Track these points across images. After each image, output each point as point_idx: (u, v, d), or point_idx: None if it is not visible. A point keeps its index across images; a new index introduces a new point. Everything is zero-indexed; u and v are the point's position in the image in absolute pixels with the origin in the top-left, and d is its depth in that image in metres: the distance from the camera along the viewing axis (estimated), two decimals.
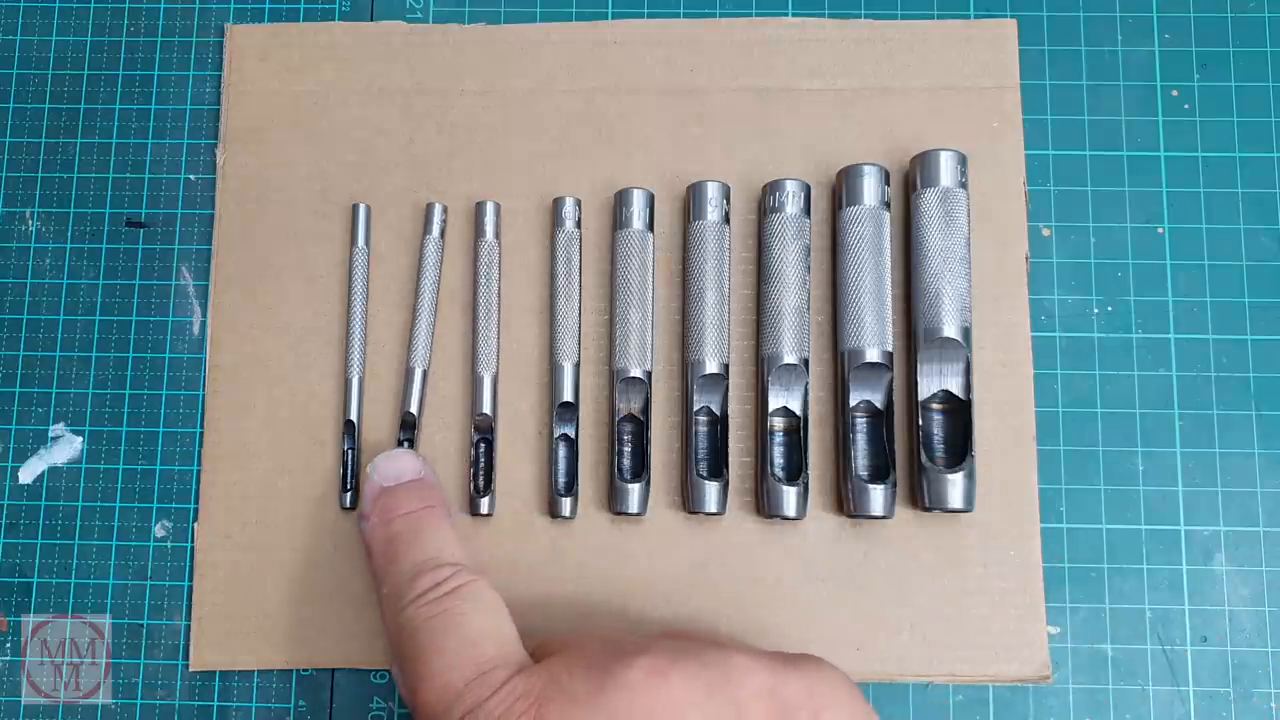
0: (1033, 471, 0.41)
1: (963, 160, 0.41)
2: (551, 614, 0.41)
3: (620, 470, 0.41)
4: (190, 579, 0.42)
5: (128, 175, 0.45)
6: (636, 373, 0.41)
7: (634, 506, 0.40)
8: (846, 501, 0.40)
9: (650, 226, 0.42)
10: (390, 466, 0.38)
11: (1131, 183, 0.44)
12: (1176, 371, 0.43)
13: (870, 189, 0.41)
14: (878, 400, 0.41)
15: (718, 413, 0.41)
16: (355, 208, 0.44)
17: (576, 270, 0.42)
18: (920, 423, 0.40)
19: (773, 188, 0.41)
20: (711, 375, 0.40)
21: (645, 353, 0.41)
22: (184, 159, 0.45)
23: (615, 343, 0.41)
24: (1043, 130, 0.45)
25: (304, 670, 0.41)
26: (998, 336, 0.42)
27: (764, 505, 0.40)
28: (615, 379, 0.41)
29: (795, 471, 0.41)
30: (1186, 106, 0.45)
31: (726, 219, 0.42)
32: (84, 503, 0.43)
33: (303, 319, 0.43)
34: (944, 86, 0.44)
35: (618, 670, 0.29)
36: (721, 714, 0.29)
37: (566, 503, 0.41)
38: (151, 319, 0.44)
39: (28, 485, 0.43)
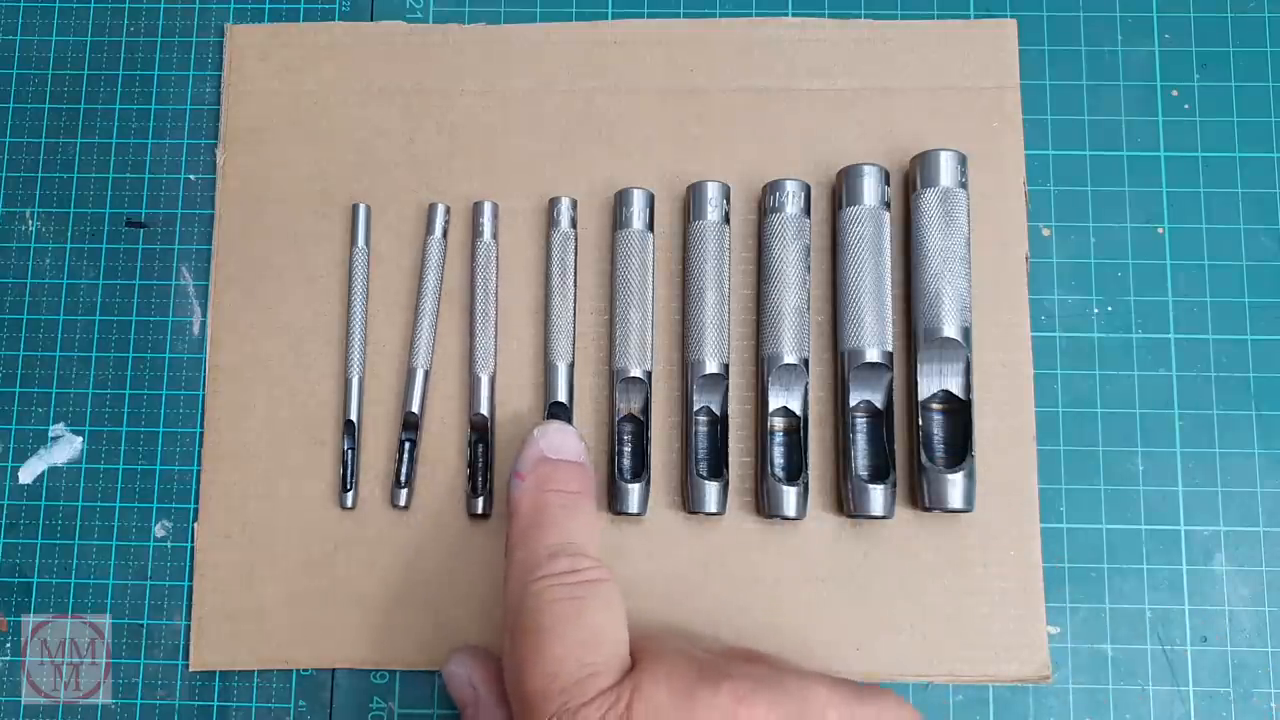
0: (1033, 471, 0.41)
1: (963, 160, 0.41)
2: None
3: (620, 470, 0.41)
4: (190, 579, 0.42)
5: (128, 175, 0.45)
6: (636, 373, 0.41)
7: (634, 506, 0.40)
8: (846, 501, 0.40)
9: (650, 226, 0.42)
10: (557, 439, 0.38)
11: (1131, 183, 0.44)
12: (1176, 371, 0.43)
13: (870, 189, 0.41)
14: (878, 400, 0.41)
15: (718, 413, 0.41)
16: (355, 208, 0.44)
17: (572, 270, 0.42)
18: (920, 423, 0.40)
19: (773, 188, 0.41)
20: (711, 375, 0.40)
21: (645, 352, 0.41)
22: (184, 159, 0.45)
23: (615, 342, 0.41)
24: (1043, 130, 0.45)
25: (304, 670, 0.41)
26: (998, 336, 0.42)
27: (764, 505, 0.40)
28: (615, 379, 0.41)
29: (795, 471, 0.41)
30: (1186, 106, 0.45)
31: (726, 219, 0.42)
32: (84, 503, 0.43)
33: (303, 319, 0.43)
34: (944, 86, 0.44)
35: (704, 694, 0.30)
36: None
37: None
38: (151, 319, 0.44)
39: (28, 485, 0.43)
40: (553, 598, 0.33)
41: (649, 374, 0.41)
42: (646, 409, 0.41)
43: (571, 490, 0.36)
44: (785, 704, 0.31)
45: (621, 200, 0.42)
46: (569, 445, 0.38)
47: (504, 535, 0.36)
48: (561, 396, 0.41)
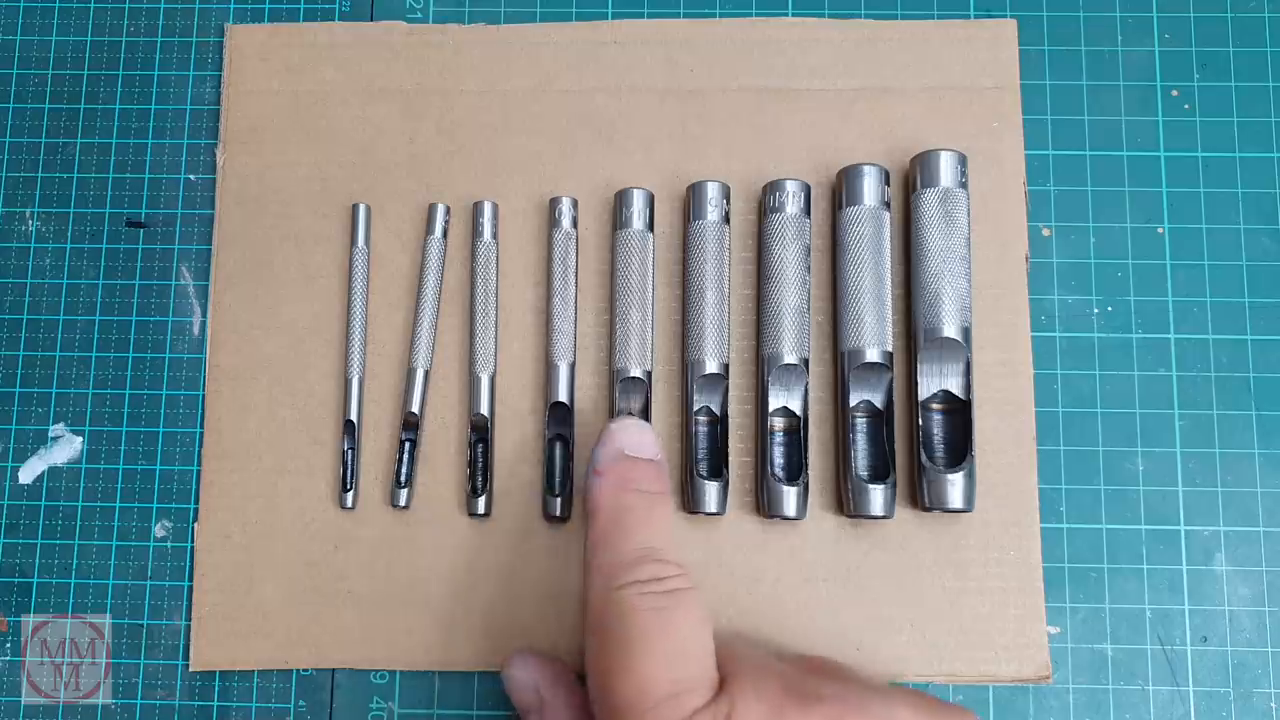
0: (1033, 471, 0.41)
1: (963, 160, 0.41)
2: (551, 614, 0.41)
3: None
4: (190, 579, 0.42)
5: (128, 175, 0.45)
6: (636, 373, 0.41)
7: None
8: (846, 501, 0.40)
9: (650, 226, 0.42)
10: (635, 436, 0.37)
11: (1131, 183, 0.44)
12: (1176, 371, 0.43)
13: (870, 189, 0.41)
14: (878, 400, 0.41)
15: (718, 413, 0.41)
16: (355, 208, 0.44)
17: (573, 270, 0.42)
18: (920, 423, 0.40)
19: (773, 188, 0.41)
20: (711, 375, 0.40)
21: (645, 353, 0.41)
22: (184, 159, 0.45)
23: (615, 343, 0.41)
24: (1043, 130, 0.45)
25: (304, 670, 0.41)
26: (998, 336, 0.42)
27: (764, 505, 0.40)
28: (615, 379, 0.41)
29: (795, 471, 0.41)
30: (1186, 106, 0.45)
31: (726, 219, 0.42)
32: (84, 503, 0.43)
33: (303, 319, 0.43)
34: (944, 86, 0.44)
35: (794, 718, 0.30)
36: None
37: (558, 503, 0.41)
38: (151, 319, 0.44)
39: (28, 485, 0.43)
40: (644, 607, 0.32)
41: (649, 374, 0.41)
42: (647, 409, 0.41)
43: (654, 491, 0.36)
44: None
45: (621, 200, 0.42)
46: (646, 442, 0.37)
47: (584, 535, 0.36)
48: (563, 396, 0.41)
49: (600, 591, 0.33)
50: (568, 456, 0.41)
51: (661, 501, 0.36)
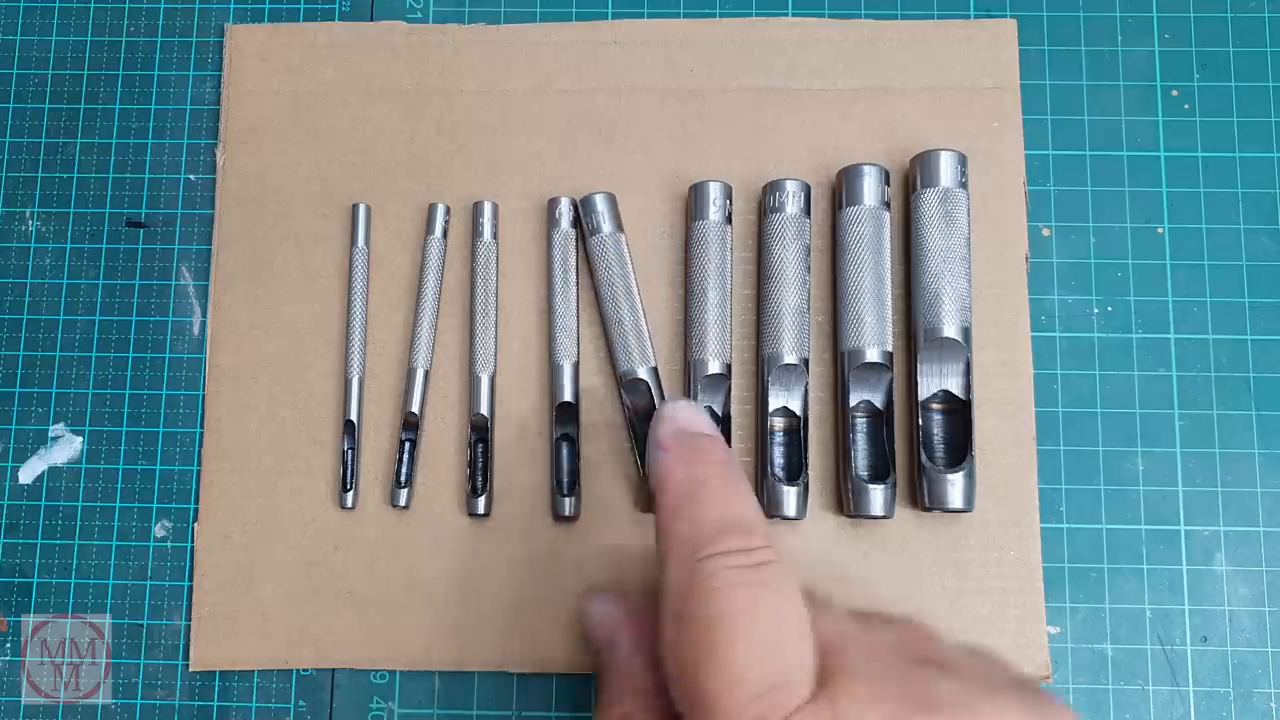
0: (1033, 471, 0.41)
1: (963, 160, 0.41)
2: (551, 614, 0.41)
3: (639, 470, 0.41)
4: (190, 579, 0.42)
5: (128, 175, 0.45)
6: (643, 373, 0.41)
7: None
8: (846, 501, 0.40)
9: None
10: (688, 414, 0.35)
11: (1131, 183, 0.44)
12: (1176, 371, 0.43)
13: (870, 189, 0.41)
14: (878, 400, 0.41)
15: (720, 413, 0.41)
16: (355, 208, 0.44)
17: (574, 270, 0.42)
18: (920, 423, 0.40)
19: (773, 188, 0.41)
20: (714, 375, 0.40)
21: (646, 351, 0.41)
22: (184, 159, 0.45)
23: (618, 343, 0.41)
24: (1043, 130, 0.45)
25: (304, 670, 0.41)
26: (998, 336, 0.42)
27: (764, 505, 0.40)
28: (621, 380, 0.41)
29: (795, 471, 0.41)
30: (1186, 106, 0.45)
31: (729, 219, 0.42)
32: (84, 503, 0.43)
33: (303, 319, 0.43)
34: (944, 86, 0.44)
35: None
36: None
37: (568, 502, 0.41)
38: (151, 319, 0.44)
39: (28, 485, 0.43)
40: (732, 583, 0.29)
41: (655, 372, 0.41)
42: (651, 409, 0.41)
43: (724, 461, 0.33)
44: None
45: (604, 203, 0.42)
46: (702, 420, 0.35)
47: (654, 516, 0.33)
48: (567, 396, 0.41)
49: (681, 567, 0.30)
50: (574, 456, 0.41)
51: (737, 473, 0.33)
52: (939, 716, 0.27)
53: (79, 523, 0.43)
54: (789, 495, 0.39)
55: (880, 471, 0.40)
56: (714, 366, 0.40)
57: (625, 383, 0.41)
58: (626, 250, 0.42)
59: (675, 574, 0.30)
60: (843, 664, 0.28)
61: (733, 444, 0.41)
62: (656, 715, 0.32)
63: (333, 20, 0.46)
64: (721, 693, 0.27)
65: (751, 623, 0.28)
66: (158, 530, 0.43)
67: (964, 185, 0.41)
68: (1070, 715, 0.29)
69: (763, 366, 0.41)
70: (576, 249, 0.43)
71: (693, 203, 0.42)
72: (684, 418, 0.34)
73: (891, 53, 0.45)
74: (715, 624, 0.28)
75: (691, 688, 0.28)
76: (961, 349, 0.40)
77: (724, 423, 0.41)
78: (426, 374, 0.42)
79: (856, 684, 0.27)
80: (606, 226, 0.42)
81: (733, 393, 0.42)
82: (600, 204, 0.42)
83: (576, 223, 0.43)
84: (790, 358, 0.40)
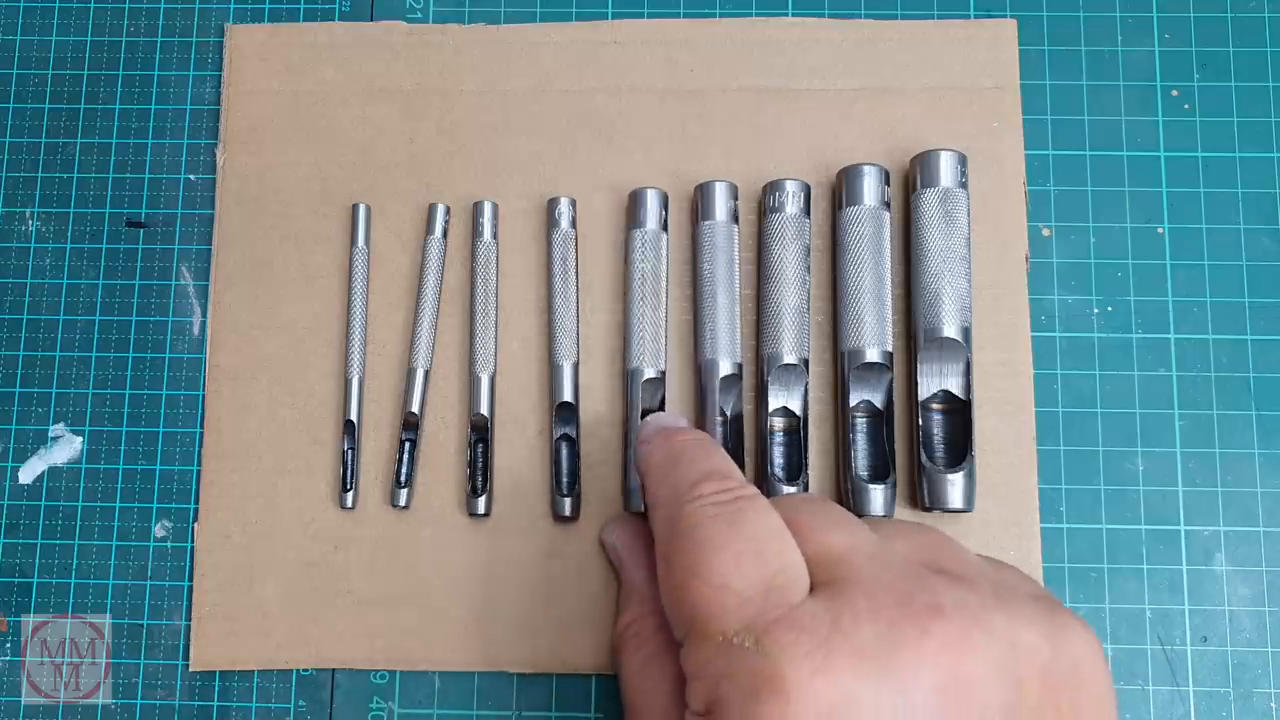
0: (1033, 471, 0.41)
1: (963, 160, 0.41)
2: (551, 614, 0.41)
3: (627, 470, 0.41)
4: (190, 579, 0.42)
5: (128, 175, 0.45)
6: (651, 373, 0.41)
7: (639, 505, 0.40)
8: (846, 501, 0.40)
9: (664, 226, 0.42)
10: (670, 419, 0.37)
11: (1131, 183, 0.44)
12: (1176, 371, 0.43)
13: (870, 189, 0.41)
14: (878, 400, 0.41)
15: (730, 414, 0.41)
16: (355, 208, 0.44)
17: (573, 270, 0.42)
18: (920, 423, 0.40)
19: (773, 188, 0.41)
20: (729, 377, 0.40)
21: (660, 353, 0.41)
22: (184, 159, 0.45)
23: (631, 342, 0.41)
24: (1043, 130, 0.45)
25: (304, 670, 0.41)
26: (998, 336, 0.42)
27: None
28: (630, 380, 0.41)
29: (795, 471, 0.41)
30: (1186, 106, 0.45)
31: (735, 218, 0.42)
32: (84, 503, 0.43)
33: (303, 319, 0.43)
34: (944, 86, 0.44)
35: (911, 636, 0.27)
36: (1005, 692, 0.27)
37: (567, 503, 0.41)
38: (151, 319, 0.44)
39: (28, 485, 0.43)
40: (709, 515, 0.30)
41: (663, 374, 0.41)
42: (662, 409, 0.41)
43: (701, 438, 0.35)
44: (992, 649, 0.27)
45: (636, 200, 0.42)
46: (681, 421, 0.37)
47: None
48: (568, 396, 0.41)
49: (666, 517, 0.31)
50: (574, 456, 0.41)
51: (713, 442, 0.35)
52: (940, 624, 0.27)
53: (79, 523, 0.43)
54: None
55: (880, 471, 0.40)
56: (727, 368, 0.40)
57: (637, 383, 0.41)
58: (665, 249, 0.42)
59: (661, 527, 0.32)
60: (849, 573, 0.28)
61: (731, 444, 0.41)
62: (658, 620, 0.34)
63: (333, 20, 0.46)
64: (710, 602, 0.28)
65: (730, 533, 0.29)
66: (158, 530, 0.43)
67: (964, 185, 0.41)
68: (1087, 632, 0.29)
69: (762, 366, 0.41)
70: (577, 249, 0.43)
71: (699, 203, 0.42)
72: (664, 419, 0.37)
73: (891, 53, 0.45)
74: (699, 547, 0.29)
75: (682, 608, 0.29)
76: (961, 349, 0.40)
77: (735, 423, 0.41)
78: (426, 374, 0.42)
79: (859, 590, 0.28)
80: (651, 224, 0.42)
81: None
82: (650, 200, 0.42)
83: (576, 223, 0.43)
84: (790, 358, 0.40)
